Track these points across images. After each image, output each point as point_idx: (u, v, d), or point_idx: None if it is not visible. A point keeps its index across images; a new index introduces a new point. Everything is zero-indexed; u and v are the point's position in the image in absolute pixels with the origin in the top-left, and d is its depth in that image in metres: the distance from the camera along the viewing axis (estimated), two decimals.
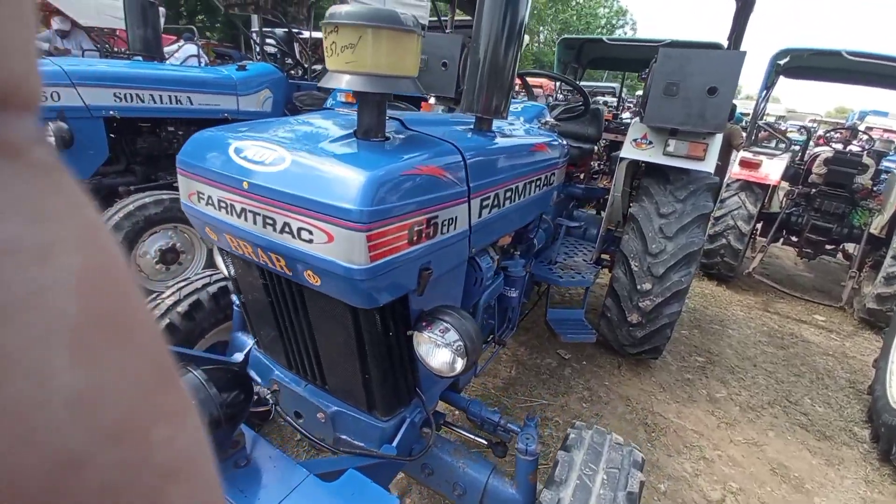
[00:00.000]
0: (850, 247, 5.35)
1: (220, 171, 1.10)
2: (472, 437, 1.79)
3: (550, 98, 6.80)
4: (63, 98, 3.04)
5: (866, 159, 5.37)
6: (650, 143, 2.97)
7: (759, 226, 5.68)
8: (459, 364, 1.14)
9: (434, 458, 1.56)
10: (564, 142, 2.49)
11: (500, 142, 1.57)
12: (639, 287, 2.86)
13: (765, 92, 5.76)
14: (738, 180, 5.17)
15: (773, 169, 4.95)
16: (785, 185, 5.92)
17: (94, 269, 0.19)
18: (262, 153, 1.07)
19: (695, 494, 2.30)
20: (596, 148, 3.91)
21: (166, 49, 5.71)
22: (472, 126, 1.57)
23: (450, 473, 1.51)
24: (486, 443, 1.72)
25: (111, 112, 3.28)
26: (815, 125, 11.61)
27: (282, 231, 1.02)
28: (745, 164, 5.09)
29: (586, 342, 2.88)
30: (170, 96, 3.64)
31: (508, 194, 1.59)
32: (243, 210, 1.08)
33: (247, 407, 0.99)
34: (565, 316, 2.94)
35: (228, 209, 1.11)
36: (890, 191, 4.68)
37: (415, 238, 1.08)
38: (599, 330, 3.26)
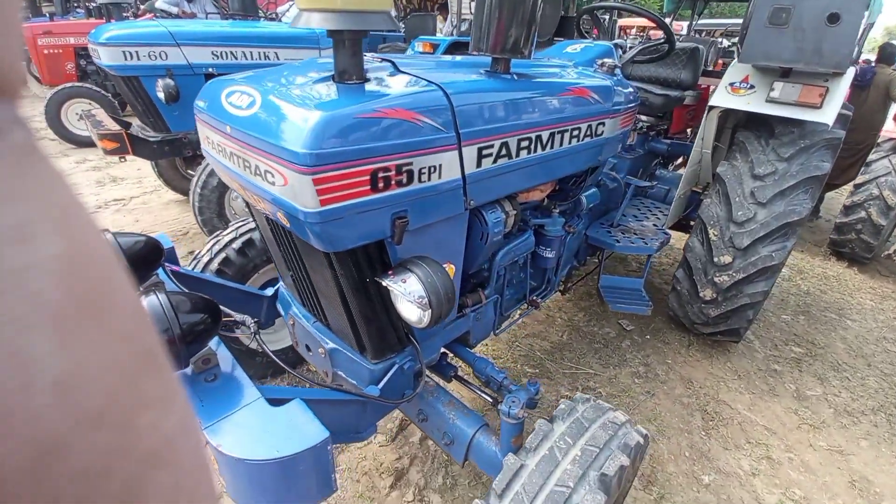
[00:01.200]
0: None
1: (215, 116, 1.16)
2: (481, 393, 1.78)
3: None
4: (169, 57, 3.44)
5: None
6: (751, 87, 2.49)
7: None
8: (425, 317, 1.11)
9: (429, 406, 1.59)
10: (630, 88, 2.18)
11: (515, 85, 1.41)
12: (716, 259, 2.50)
13: None
14: (891, 139, 4.15)
15: None
16: None
17: (75, 252, 0.19)
18: (241, 98, 1.10)
19: (745, 494, 2.05)
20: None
21: (279, 9, 6.10)
22: (486, 69, 1.44)
23: (441, 422, 1.54)
24: (491, 400, 1.70)
25: (210, 69, 3.64)
26: None
27: (255, 173, 1.06)
28: None
29: (640, 314, 2.62)
30: (259, 52, 3.91)
31: (525, 144, 1.45)
32: (231, 154, 1.14)
33: (212, 331, 1.09)
34: (622, 284, 2.69)
35: (223, 153, 1.18)
36: None
37: (380, 185, 1.05)
38: (668, 304, 2.95)
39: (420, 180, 1.13)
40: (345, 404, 1.34)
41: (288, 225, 1.09)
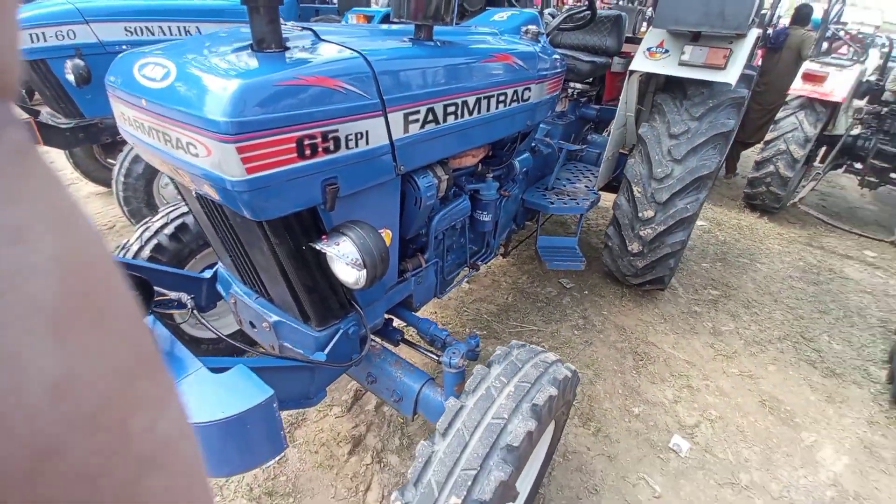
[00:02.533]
0: None
1: (128, 90, 1.13)
2: (428, 353, 1.87)
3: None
4: (78, 35, 3.15)
5: None
6: (666, 51, 2.66)
7: (822, 151, 5.05)
8: (361, 278, 1.17)
9: (377, 368, 1.67)
10: (556, 55, 2.28)
11: (438, 51, 1.46)
12: (640, 215, 2.71)
13: None
14: (799, 97, 4.55)
15: (839, 83, 4.29)
16: (858, 103, 5.13)
17: (71, 252, 0.19)
18: (155, 70, 1.08)
19: (669, 419, 2.31)
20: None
21: None
22: (410, 36, 1.47)
23: (390, 382, 1.62)
24: (437, 358, 1.80)
25: (124, 46, 3.37)
26: None
27: (177, 146, 1.05)
28: (808, 77, 4.45)
29: (576, 270, 2.81)
30: (178, 27, 3.65)
31: (451, 109, 1.51)
32: (150, 128, 1.11)
33: (144, 309, 1.10)
34: (557, 244, 2.87)
35: (141, 128, 1.15)
36: None
37: (307, 152, 1.07)
38: (602, 258, 3.17)
39: (347, 147, 1.17)
40: (292, 371, 1.38)
41: (218, 198, 1.10)
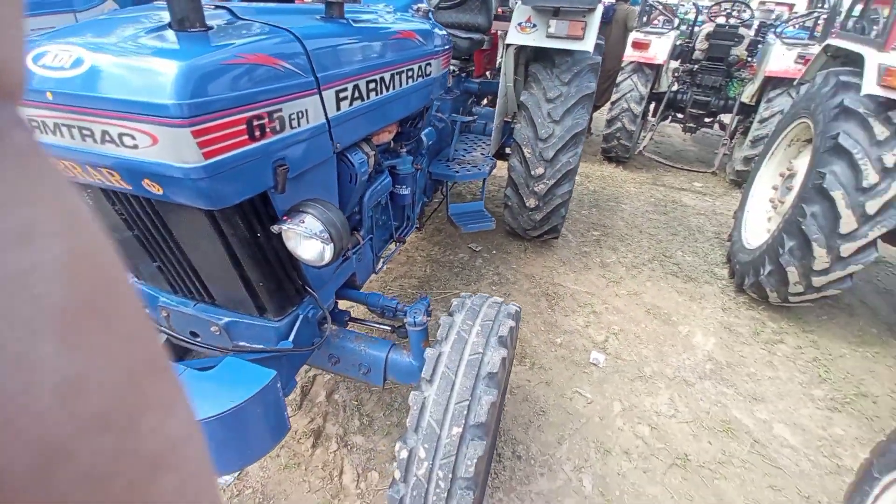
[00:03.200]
0: (725, 118, 5.87)
1: None
2: (377, 325, 1.94)
3: None
4: None
5: (742, 30, 5.70)
6: (534, 26, 2.96)
7: (652, 106, 6.04)
8: (328, 252, 1.20)
9: (338, 348, 1.70)
10: (444, 31, 2.42)
11: (354, 29, 1.50)
12: (532, 172, 3.04)
13: None
14: (631, 62, 5.35)
15: (659, 48, 5.15)
16: (675, 64, 6.23)
17: (79, 254, 0.18)
18: (61, 57, 0.96)
19: (584, 341, 2.71)
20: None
21: None
22: (321, 15, 1.48)
23: (354, 357, 1.67)
24: (389, 328, 1.88)
25: None
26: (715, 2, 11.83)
27: (103, 141, 0.96)
28: (636, 45, 5.24)
29: (487, 230, 3.07)
30: None
31: (372, 86, 1.57)
32: (56, 125, 0.99)
33: None
34: (466, 209, 3.09)
35: (42, 127, 1.01)
36: (763, 59, 5.09)
37: (257, 133, 1.06)
38: (504, 220, 3.48)
39: (292, 126, 1.18)
40: (266, 363, 1.36)
41: (160, 192, 1.03)
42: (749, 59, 5.69)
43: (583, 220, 4.20)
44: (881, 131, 2.33)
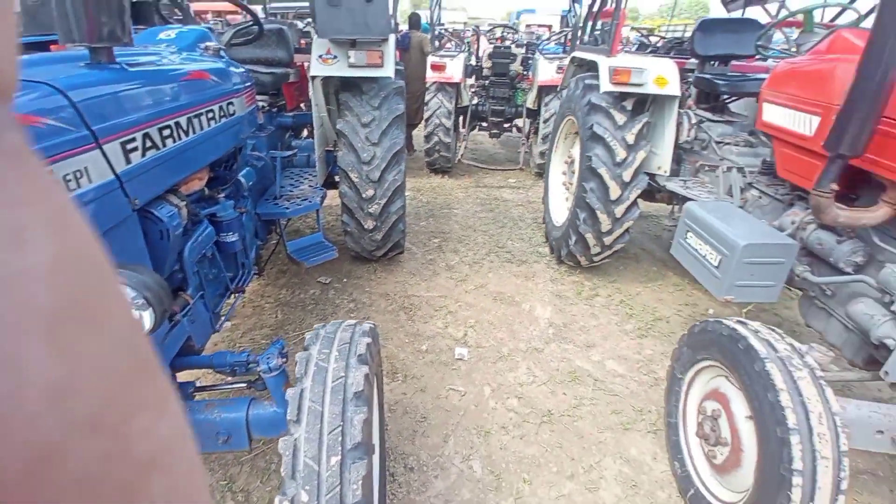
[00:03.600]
0: (520, 122, 6.87)
1: None
2: (231, 386, 1.79)
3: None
4: None
5: (515, 49, 6.76)
6: (335, 57, 3.07)
7: (462, 119, 6.75)
8: (147, 318, 1.09)
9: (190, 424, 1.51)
10: (242, 69, 2.36)
11: (131, 73, 1.38)
12: (364, 195, 3.13)
13: (436, 0, 6.49)
14: (434, 83, 5.89)
15: (454, 69, 5.79)
16: (472, 81, 7.06)
17: (68, 256, 0.18)
18: None
19: (447, 341, 2.90)
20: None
21: None
22: (86, 62, 1.33)
23: (209, 428, 1.51)
24: (245, 385, 1.75)
25: None
26: (490, 28, 13.69)
27: None
28: (434, 67, 5.79)
29: (331, 259, 3.05)
30: None
31: (167, 132, 1.46)
32: None
33: None
34: (305, 243, 3.03)
35: None
36: (534, 72, 6.11)
37: None
38: (347, 246, 3.50)
39: (70, 188, 1.04)
40: None
41: None
42: (525, 72, 6.77)
43: (423, 231, 4.46)
44: (620, 118, 3.04)
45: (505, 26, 9.53)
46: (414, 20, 6.84)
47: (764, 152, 2.75)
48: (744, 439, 1.60)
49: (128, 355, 0.21)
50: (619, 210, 3.06)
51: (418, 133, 7.07)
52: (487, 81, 6.69)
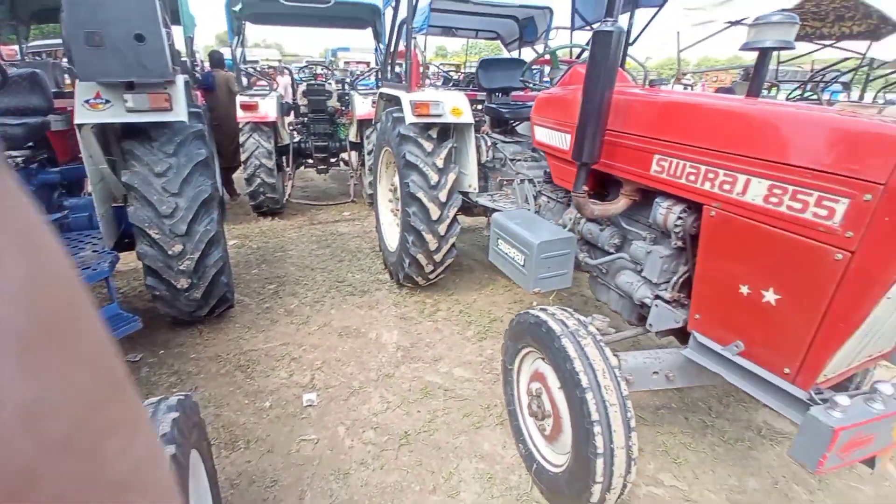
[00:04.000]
0: (346, 155, 6.94)
1: None
2: None
3: None
4: None
5: (329, 86, 6.85)
6: (107, 101, 2.69)
7: (285, 157, 6.50)
8: None
9: None
10: None
11: None
12: (170, 252, 2.78)
13: (236, 38, 6.19)
14: (247, 123, 5.58)
15: (268, 107, 5.58)
16: (290, 119, 6.89)
17: (39, 276, 0.18)
18: None
19: (293, 390, 2.72)
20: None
21: None
22: None
23: None
24: None
25: None
26: (306, 64, 13.59)
27: None
28: (244, 107, 5.49)
29: (135, 331, 2.63)
30: None
31: None
32: None
33: None
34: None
35: None
36: (352, 107, 6.26)
37: None
38: (161, 310, 3.05)
39: None
40: None
41: None
42: (343, 107, 6.90)
43: (255, 279, 4.14)
44: (428, 145, 3.31)
45: (317, 63, 9.62)
46: (216, 58, 6.45)
47: (545, 165, 3.30)
48: (560, 408, 1.85)
49: (101, 375, 0.21)
50: (441, 228, 3.31)
51: (239, 176, 6.62)
52: (307, 119, 6.62)
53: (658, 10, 3.42)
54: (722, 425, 2.59)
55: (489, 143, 3.63)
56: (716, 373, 1.76)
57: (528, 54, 5.64)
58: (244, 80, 6.34)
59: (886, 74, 7.17)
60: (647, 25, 3.52)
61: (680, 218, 1.87)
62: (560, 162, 2.57)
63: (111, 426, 0.21)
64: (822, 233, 1.35)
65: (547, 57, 3.29)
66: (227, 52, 7.14)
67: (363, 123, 6.05)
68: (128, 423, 0.22)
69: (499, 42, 6.00)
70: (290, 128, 6.65)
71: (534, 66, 4.05)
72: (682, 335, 2.10)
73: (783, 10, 4.25)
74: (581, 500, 1.70)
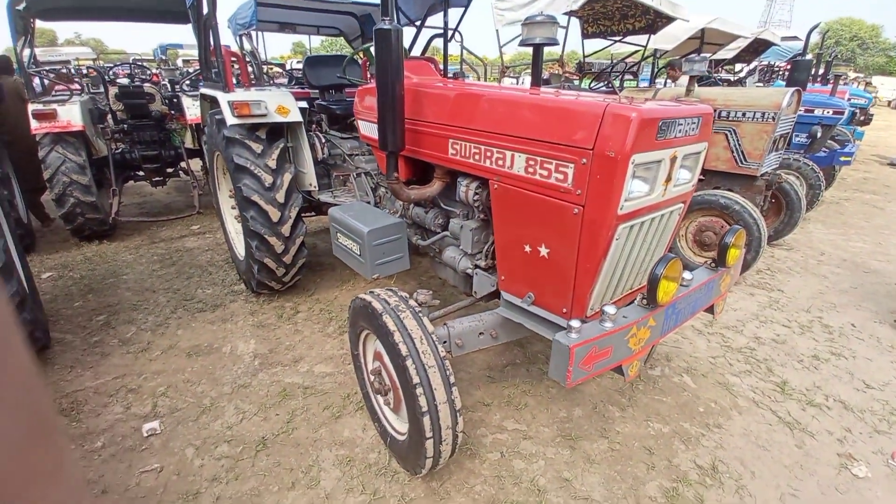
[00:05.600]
0: (185, 164, 6.32)
1: None
2: None
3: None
4: None
5: (149, 88, 6.11)
6: None
7: (107, 170, 5.67)
8: None
9: None
10: None
11: None
12: None
13: (21, 39, 5.20)
14: (46, 134, 4.77)
15: (71, 115, 4.83)
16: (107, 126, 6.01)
17: None
18: None
19: (131, 423, 2.49)
20: None
21: None
22: None
23: None
24: None
25: None
26: (134, 62, 11.85)
27: None
28: (39, 116, 4.68)
29: None
30: None
31: None
32: None
33: None
34: None
35: None
36: (183, 111, 5.71)
37: None
38: None
39: None
40: None
41: None
42: (173, 111, 6.25)
43: (80, 313, 3.64)
44: (257, 147, 3.22)
45: (143, 62, 8.52)
46: (2, 64, 5.38)
47: None
48: (395, 379, 2.01)
49: (25, 421, 0.20)
50: (285, 229, 3.26)
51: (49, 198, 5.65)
52: (126, 126, 5.84)
53: (465, 11, 3.74)
54: None
55: (323, 141, 3.65)
56: (520, 323, 2.06)
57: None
58: (38, 85, 5.39)
59: (669, 61, 8.73)
60: (458, 24, 3.84)
61: (476, 193, 2.14)
62: (379, 153, 2.72)
63: (34, 473, 0.20)
64: (562, 193, 1.67)
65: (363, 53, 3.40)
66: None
67: (198, 127, 5.58)
68: (51, 469, 0.21)
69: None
70: (106, 137, 5.80)
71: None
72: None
73: (570, 13, 4.90)
74: (420, 457, 1.89)
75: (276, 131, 3.42)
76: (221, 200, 4.17)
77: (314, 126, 3.86)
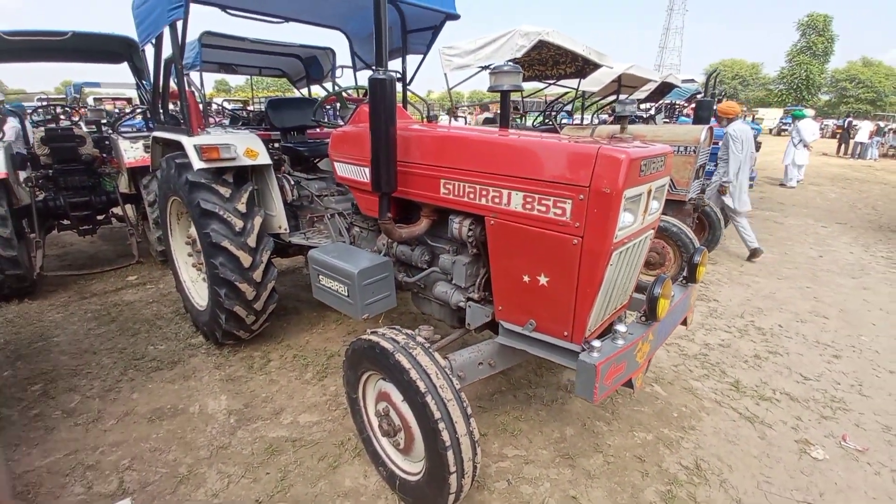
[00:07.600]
0: (118, 210, 5.85)
1: None
2: None
3: None
4: None
5: (78, 131, 5.67)
6: None
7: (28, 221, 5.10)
8: None
9: None
10: None
11: None
12: None
13: None
14: None
15: None
16: (27, 173, 5.43)
17: None
18: None
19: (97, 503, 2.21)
20: None
21: None
22: None
23: None
24: None
25: None
26: (45, 103, 10.83)
27: None
28: None
29: None
30: None
31: None
32: None
33: None
34: None
35: None
36: (117, 153, 5.33)
37: None
38: None
39: None
40: None
41: None
42: (104, 154, 5.82)
43: (11, 384, 3.19)
44: (225, 191, 3.11)
45: (56, 102, 7.83)
46: None
47: (351, 197, 3.45)
48: (408, 418, 2.00)
49: None
50: (257, 275, 3.14)
51: None
52: (52, 171, 5.35)
53: (423, 58, 3.96)
54: (541, 393, 3.12)
55: (291, 182, 3.61)
56: (522, 349, 2.15)
57: (318, 91, 5.77)
58: None
59: (595, 102, 9.65)
60: (417, 69, 4.04)
61: (470, 229, 2.24)
62: (364, 193, 2.76)
63: None
64: (561, 226, 1.82)
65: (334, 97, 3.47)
66: None
67: (137, 171, 5.24)
68: None
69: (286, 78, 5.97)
70: (30, 185, 5.26)
71: (325, 105, 4.19)
72: (494, 327, 2.49)
73: (513, 60, 5.38)
74: (443, 494, 1.87)
75: (242, 174, 3.33)
76: (174, 248, 3.92)
77: (282, 168, 3.81)
